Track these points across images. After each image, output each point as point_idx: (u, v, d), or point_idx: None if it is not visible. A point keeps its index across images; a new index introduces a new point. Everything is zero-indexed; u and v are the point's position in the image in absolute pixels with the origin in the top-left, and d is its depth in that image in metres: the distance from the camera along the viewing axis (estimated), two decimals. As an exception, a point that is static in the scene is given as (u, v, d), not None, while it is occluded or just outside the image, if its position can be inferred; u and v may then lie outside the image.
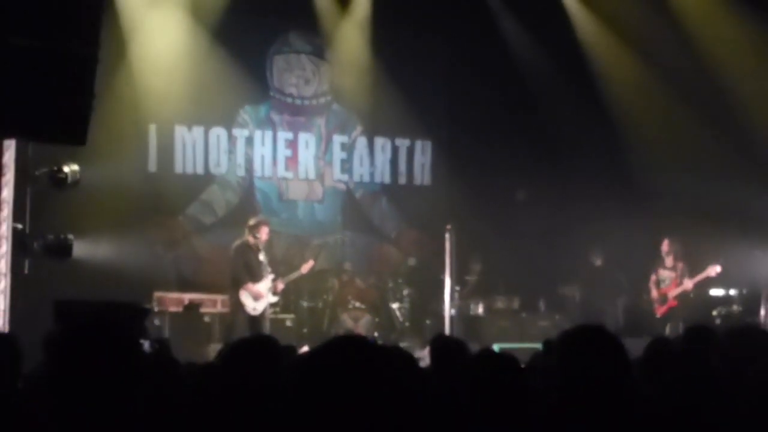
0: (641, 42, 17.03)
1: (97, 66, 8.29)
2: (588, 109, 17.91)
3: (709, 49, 16.35)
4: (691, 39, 16.45)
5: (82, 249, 14.33)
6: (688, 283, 15.25)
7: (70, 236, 13.81)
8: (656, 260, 15.73)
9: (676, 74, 16.78)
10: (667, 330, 14.72)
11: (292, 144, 18.64)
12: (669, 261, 15.55)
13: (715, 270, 15.12)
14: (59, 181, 13.66)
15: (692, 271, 15.38)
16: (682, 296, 15.33)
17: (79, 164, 13.81)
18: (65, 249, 13.77)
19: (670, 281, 15.48)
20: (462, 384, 4.41)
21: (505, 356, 4.76)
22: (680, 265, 15.44)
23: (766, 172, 16.01)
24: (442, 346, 6.71)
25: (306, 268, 15.50)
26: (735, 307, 16.56)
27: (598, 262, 17.51)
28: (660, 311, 15.52)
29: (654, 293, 15.61)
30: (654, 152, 17.30)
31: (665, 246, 15.58)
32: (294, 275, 15.38)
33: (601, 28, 17.89)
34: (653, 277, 15.66)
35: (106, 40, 8.66)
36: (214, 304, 15.98)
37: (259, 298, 14.27)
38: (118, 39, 15.77)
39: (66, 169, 13.63)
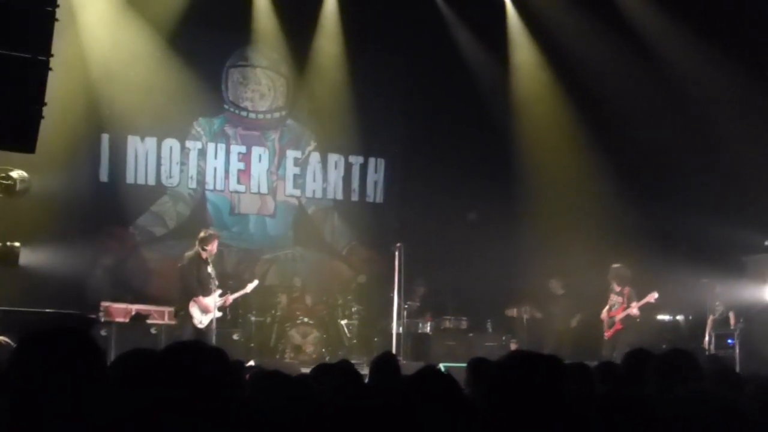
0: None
1: (48, 74, 8.25)
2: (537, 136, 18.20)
3: (671, 76, 16.66)
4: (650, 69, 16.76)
5: (29, 257, 14.16)
6: (634, 308, 15.43)
7: (17, 244, 13.65)
8: (610, 286, 15.90)
9: (630, 101, 17.00)
10: (614, 353, 14.80)
11: (245, 157, 18.62)
12: (616, 286, 15.74)
13: (653, 297, 15.41)
14: (7, 187, 13.46)
15: (640, 296, 15.54)
16: (628, 320, 15.49)
17: (29, 171, 13.67)
18: (12, 256, 13.58)
19: (618, 305, 15.65)
20: (399, 398, 4.44)
21: (441, 374, 4.80)
22: (627, 290, 15.63)
23: (716, 203, 16.22)
24: (381, 363, 6.77)
25: (251, 287, 15.39)
26: (681, 333, 16.80)
27: (554, 286, 17.73)
28: (607, 334, 15.73)
29: (604, 316, 15.81)
30: (604, 179, 17.52)
31: (611, 272, 15.77)
32: (238, 294, 15.23)
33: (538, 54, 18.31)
34: (608, 303, 15.88)
35: (59, 48, 8.61)
36: (161, 316, 15.87)
37: (207, 312, 14.17)
38: (73, 47, 15.68)
39: (15, 175, 13.47)
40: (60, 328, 3.45)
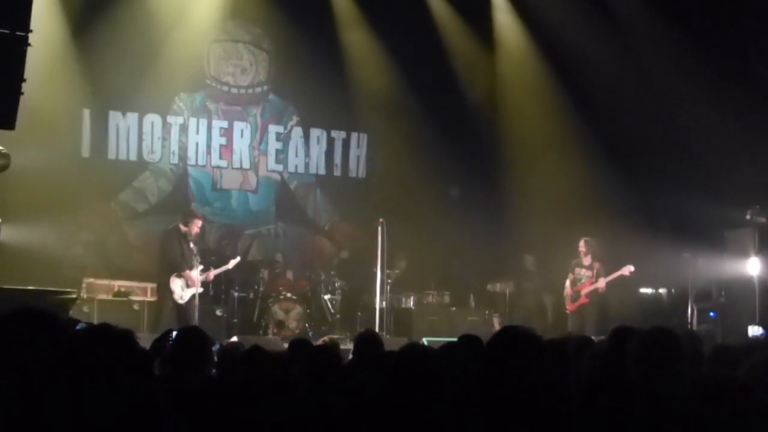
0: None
1: (28, 49, 8.19)
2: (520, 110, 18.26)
3: (651, 57, 16.73)
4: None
5: (10, 233, 14.10)
6: (602, 282, 15.39)
7: (-2, 220, 13.59)
8: (574, 260, 15.88)
9: (612, 81, 17.06)
10: (586, 329, 14.73)
11: (227, 132, 18.55)
12: (586, 260, 15.68)
13: (629, 269, 15.31)
14: (-14, 164, 13.39)
15: (608, 272, 15.51)
16: (594, 294, 15.45)
17: (9, 147, 13.58)
18: (-8, 233, 13.54)
19: (585, 279, 15.60)
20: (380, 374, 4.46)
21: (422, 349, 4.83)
22: (597, 264, 15.57)
23: (697, 177, 16.28)
24: (363, 340, 6.78)
25: (233, 263, 15.35)
26: (663, 307, 16.86)
27: (528, 262, 17.76)
28: (570, 307, 15.67)
29: (568, 290, 15.75)
30: (586, 156, 17.57)
31: (582, 246, 15.71)
32: (220, 270, 15.19)
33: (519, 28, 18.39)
34: (570, 276, 15.81)
35: (38, 23, 8.54)
36: (144, 292, 15.84)
37: (192, 285, 14.10)
38: (52, 22, 15.57)
39: (-6, 151, 13.38)
40: (19, 310, 3.42)
